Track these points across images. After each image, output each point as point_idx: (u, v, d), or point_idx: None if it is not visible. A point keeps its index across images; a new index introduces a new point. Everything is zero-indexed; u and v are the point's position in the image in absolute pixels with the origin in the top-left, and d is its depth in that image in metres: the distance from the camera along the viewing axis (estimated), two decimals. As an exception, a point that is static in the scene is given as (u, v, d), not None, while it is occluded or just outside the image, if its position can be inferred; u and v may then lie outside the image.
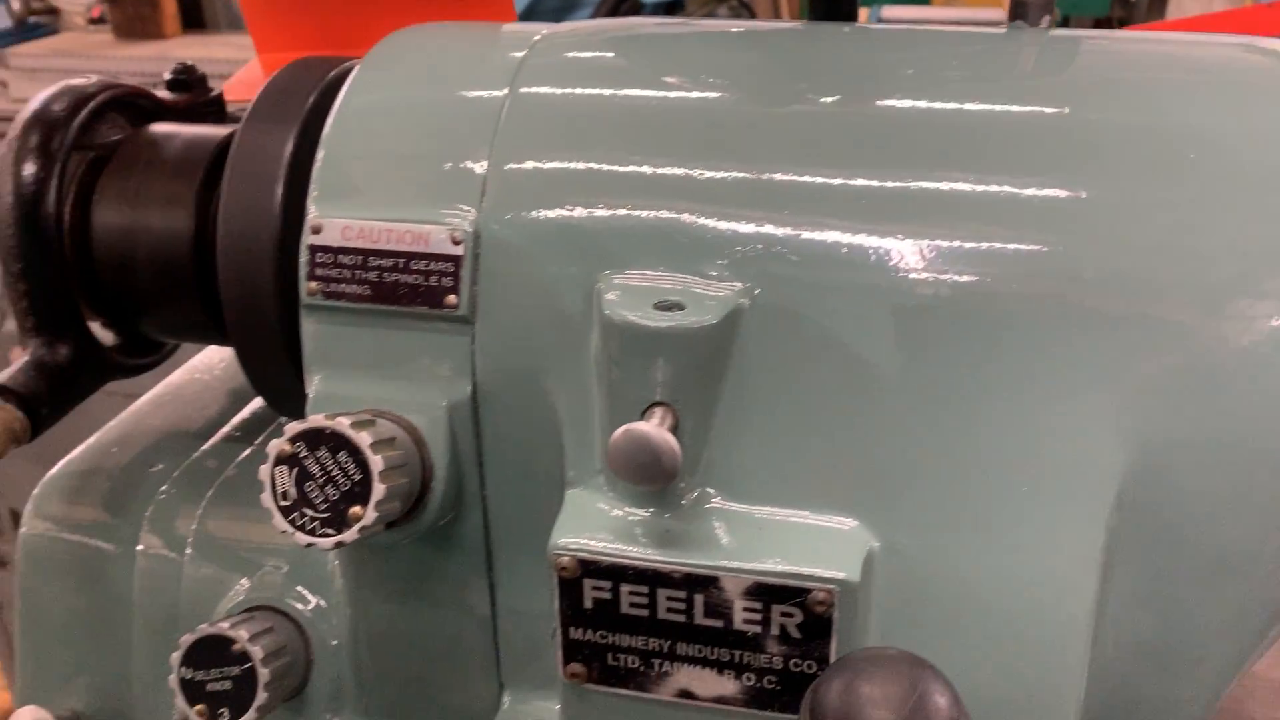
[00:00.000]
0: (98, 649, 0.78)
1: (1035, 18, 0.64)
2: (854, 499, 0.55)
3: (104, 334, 0.79)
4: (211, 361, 0.97)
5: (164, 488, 0.78)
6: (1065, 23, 1.72)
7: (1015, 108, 0.58)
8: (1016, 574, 0.54)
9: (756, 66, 0.64)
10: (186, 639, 0.67)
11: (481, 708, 0.68)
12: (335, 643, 0.71)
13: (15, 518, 1.90)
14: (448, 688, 0.69)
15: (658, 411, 0.54)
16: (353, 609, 0.68)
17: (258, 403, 0.89)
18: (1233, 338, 0.52)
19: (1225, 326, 0.52)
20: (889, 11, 5.03)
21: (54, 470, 0.81)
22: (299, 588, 0.73)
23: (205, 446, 0.83)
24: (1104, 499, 0.53)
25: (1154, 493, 0.53)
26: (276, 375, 0.68)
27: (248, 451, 0.81)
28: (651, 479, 0.51)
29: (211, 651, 0.66)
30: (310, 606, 0.72)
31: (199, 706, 0.66)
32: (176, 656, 0.66)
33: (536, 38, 0.66)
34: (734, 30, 0.71)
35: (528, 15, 3.70)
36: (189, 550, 0.75)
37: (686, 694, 0.56)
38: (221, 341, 0.75)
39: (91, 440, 0.84)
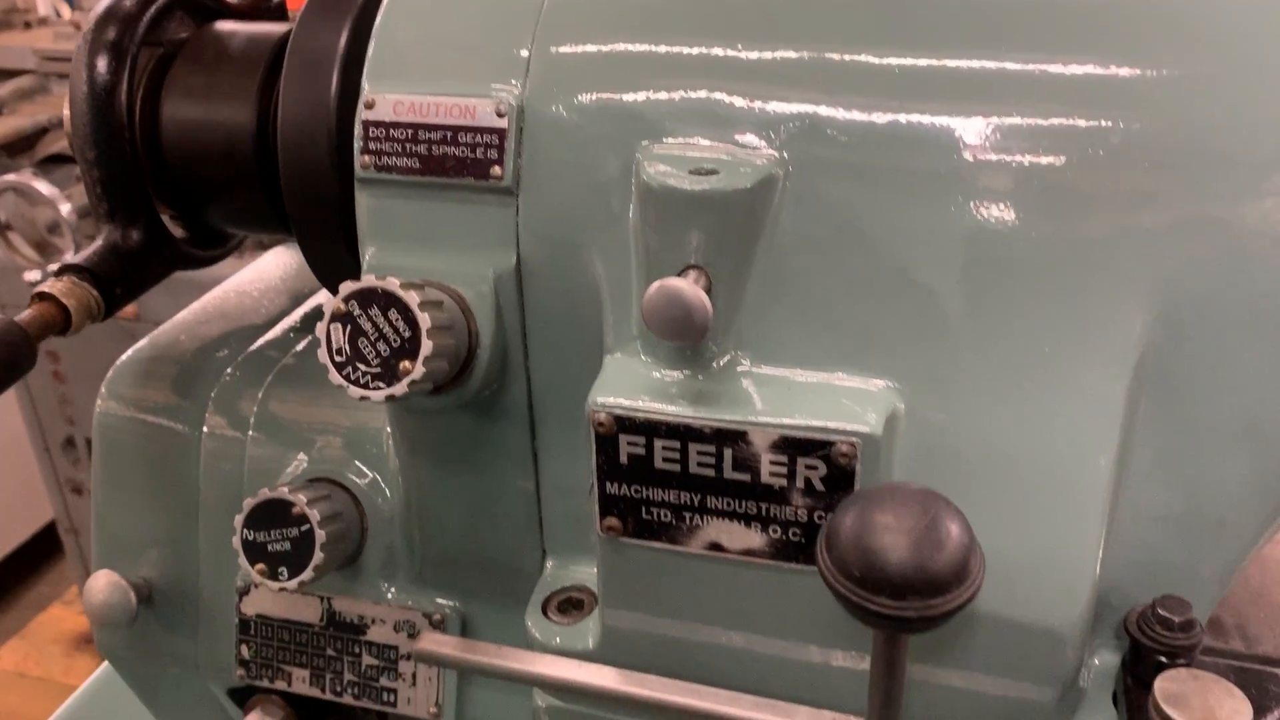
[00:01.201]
0: (167, 521, 0.83)
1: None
2: (882, 363, 0.57)
3: (173, 227, 0.83)
4: (271, 267, 1.01)
5: (229, 371, 0.83)
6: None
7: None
8: (1037, 435, 0.55)
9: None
10: (249, 502, 0.71)
11: (526, 574, 0.71)
12: (388, 513, 0.75)
13: (90, 446, 1.98)
14: (494, 555, 0.72)
15: (692, 273, 0.56)
16: (404, 477, 0.72)
17: (316, 299, 0.93)
18: (1261, 207, 0.53)
19: (1256, 197, 0.53)
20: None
21: (125, 356, 0.86)
22: (356, 462, 0.77)
23: (267, 337, 0.87)
24: (1126, 363, 0.54)
25: (1177, 358, 0.55)
26: (334, 257, 0.71)
27: (306, 341, 0.85)
28: (683, 334, 0.54)
29: (272, 514, 0.71)
30: (366, 480, 0.76)
31: (260, 565, 0.71)
32: (239, 519, 0.71)
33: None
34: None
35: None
36: (251, 429, 0.80)
37: (716, 546, 0.59)
38: (283, 230, 0.78)
39: (159, 331, 0.89)
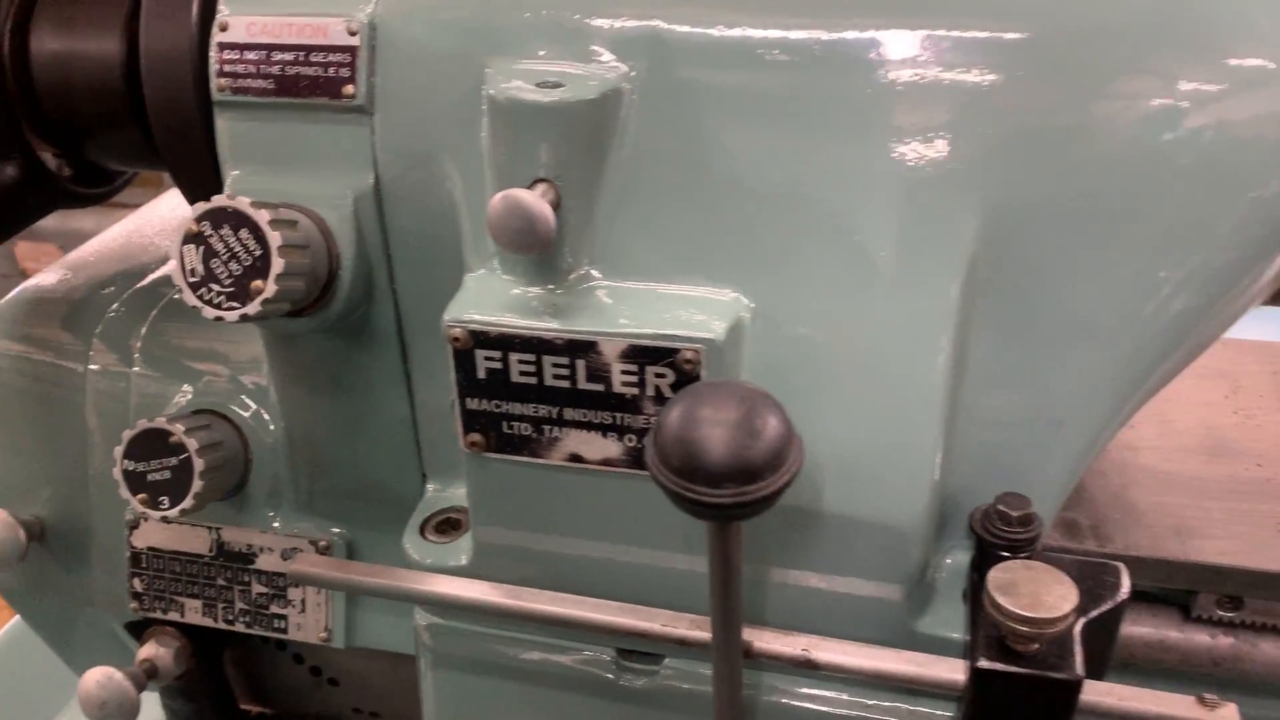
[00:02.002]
0: (57, 459, 0.83)
1: None
2: (728, 272, 0.58)
3: (59, 165, 0.82)
4: (168, 206, 1.01)
5: (114, 307, 0.83)
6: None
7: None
8: (875, 337, 0.57)
9: None
10: (127, 434, 0.71)
11: (408, 498, 0.72)
12: (272, 443, 0.76)
13: None
14: (375, 480, 0.73)
15: (540, 186, 0.57)
16: (282, 405, 0.73)
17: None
18: (1095, 114, 0.54)
19: (1090, 104, 0.54)
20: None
21: (10, 295, 0.85)
22: (240, 395, 0.77)
23: (156, 274, 0.87)
24: (957, 264, 0.55)
25: (1010, 261, 0.56)
26: (207, 186, 0.71)
27: (194, 277, 0.85)
28: (527, 245, 0.54)
29: (151, 444, 0.71)
30: (250, 412, 0.77)
31: (141, 495, 0.71)
32: (119, 450, 0.71)
33: None
34: None
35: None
36: (136, 364, 0.80)
37: (576, 458, 0.60)
38: (160, 164, 0.78)
39: (45, 270, 0.88)
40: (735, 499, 0.46)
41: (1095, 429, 0.61)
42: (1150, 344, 0.59)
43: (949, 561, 0.63)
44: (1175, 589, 0.70)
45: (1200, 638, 0.71)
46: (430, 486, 0.72)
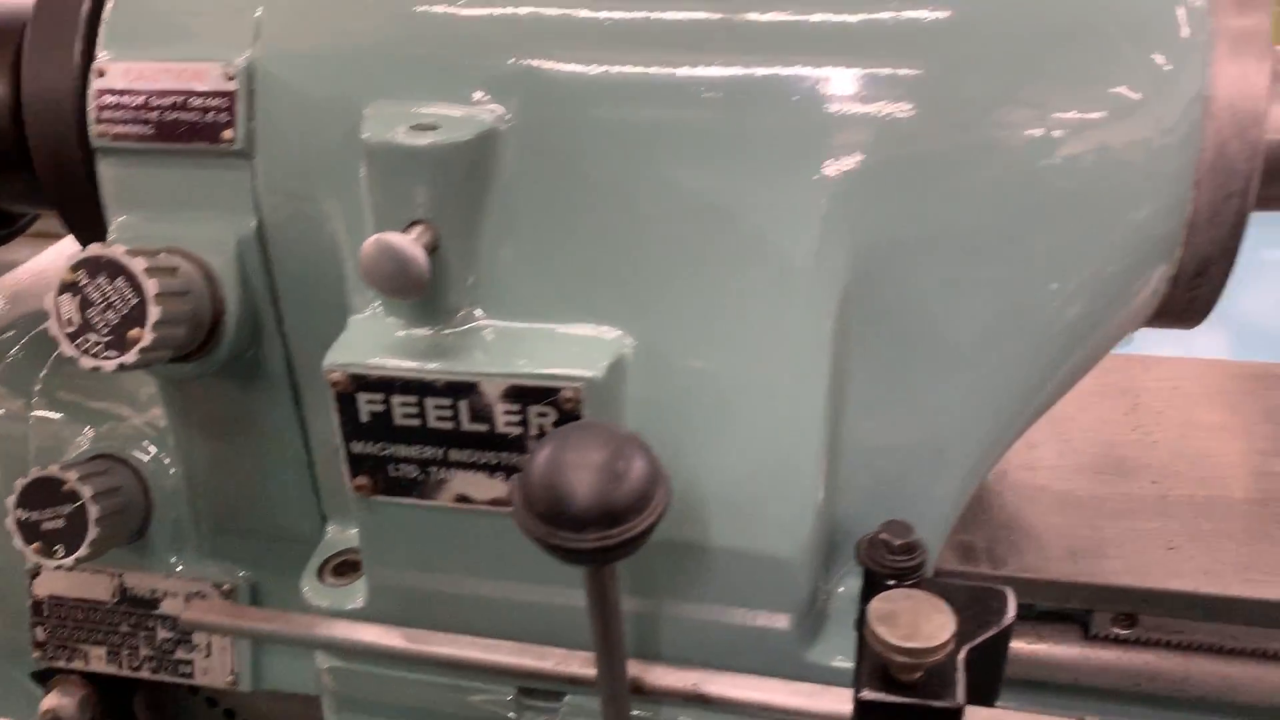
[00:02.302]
0: (-43, 507, 0.81)
1: None
2: (610, 309, 0.58)
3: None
4: (73, 247, 0.99)
5: (14, 350, 0.82)
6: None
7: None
8: (754, 371, 0.57)
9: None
10: (20, 482, 0.70)
11: (309, 539, 0.72)
12: (172, 487, 0.75)
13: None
14: (275, 522, 0.72)
15: (416, 228, 0.57)
16: (180, 449, 0.72)
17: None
18: (957, 136, 0.55)
19: (949, 127, 0.55)
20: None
21: (-93, 341, 0.84)
22: (142, 439, 0.76)
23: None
24: (830, 295, 0.56)
25: (879, 291, 0.57)
26: (93, 229, 0.70)
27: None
28: (401, 289, 0.54)
29: (44, 492, 0.70)
30: (150, 456, 0.76)
31: (35, 545, 0.70)
32: (11, 500, 0.70)
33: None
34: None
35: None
36: (36, 407, 0.79)
37: (464, 498, 0.60)
38: (48, 206, 0.77)
39: (-54, 315, 0.87)
40: (600, 543, 0.46)
41: (978, 454, 0.61)
42: (1028, 370, 0.59)
43: (841, 590, 0.64)
44: (1073, 608, 0.71)
45: (1099, 655, 0.72)
46: (330, 528, 0.72)
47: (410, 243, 0.54)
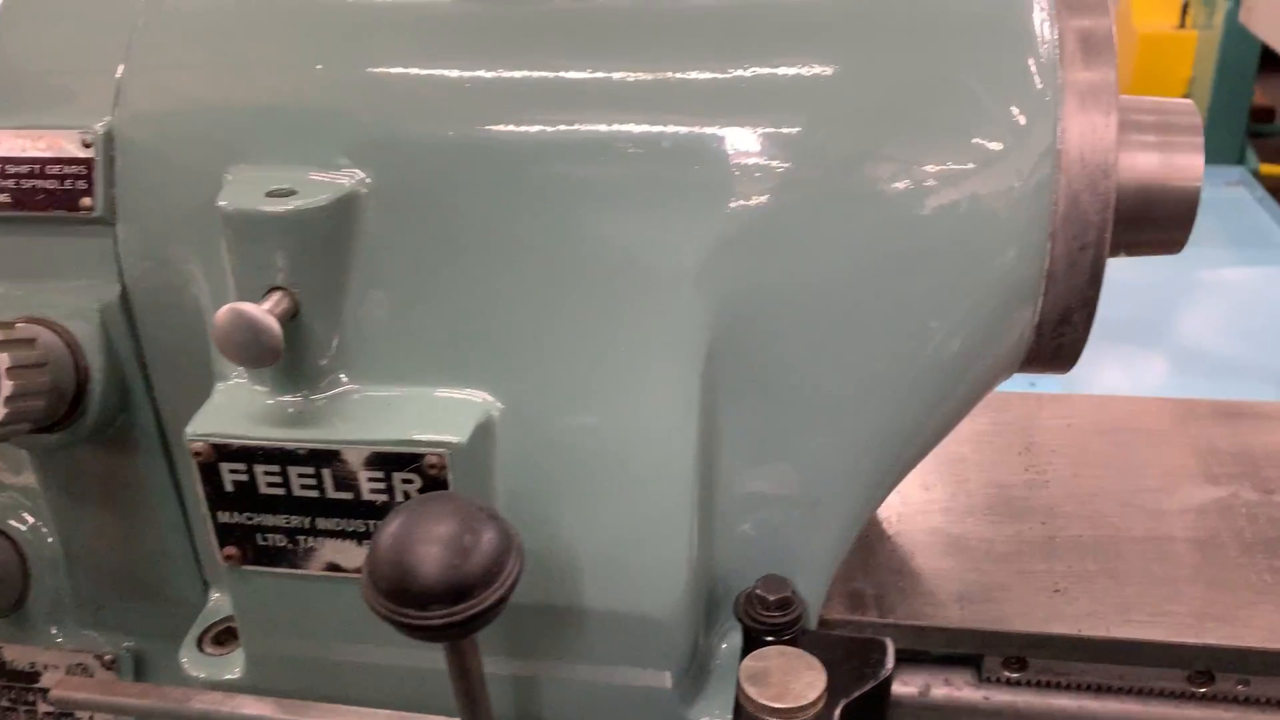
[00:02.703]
0: None
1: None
2: (478, 373, 0.58)
3: None
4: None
5: (-112, 421, 0.79)
6: None
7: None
8: (623, 430, 0.57)
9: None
10: (-112, 558, 0.68)
11: (192, 607, 0.70)
12: (51, 557, 0.73)
13: None
14: (156, 591, 0.71)
15: (274, 295, 0.56)
16: (56, 518, 0.70)
17: None
18: (816, 187, 0.55)
19: (810, 178, 0.55)
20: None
21: None
22: (18, 509, 0.74)
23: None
24: (696, 352, 0.56)
25: (746, 344, 0.57)
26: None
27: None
28: (255, 358, 0.53)
29: (-89, 568, 0.68)
30: (28, 525, 0.74)
31: (-97, 622, 0.68)
32: (-124, 578, 0.68)
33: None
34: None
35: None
36: (-91, 478, 0.77)
37: (334, 567, 0.59)
38: None
39: None
40: (447, 619, 0.45)
41: (857, 502, 0.62)
42: (901, 417, 0.60)
43: (724, 646, 0.64)
44: (964, 653, 0.71)
45: (994, 697, 0.72)
46: (213, 594, 0.70)
47: (263, 312, 0.53)
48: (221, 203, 0.56)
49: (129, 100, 0.60)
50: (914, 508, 0.78)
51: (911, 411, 0.60)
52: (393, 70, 0.58)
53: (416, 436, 0.55)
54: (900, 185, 0.56)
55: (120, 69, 0.61)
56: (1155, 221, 0.61)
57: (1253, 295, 2.79)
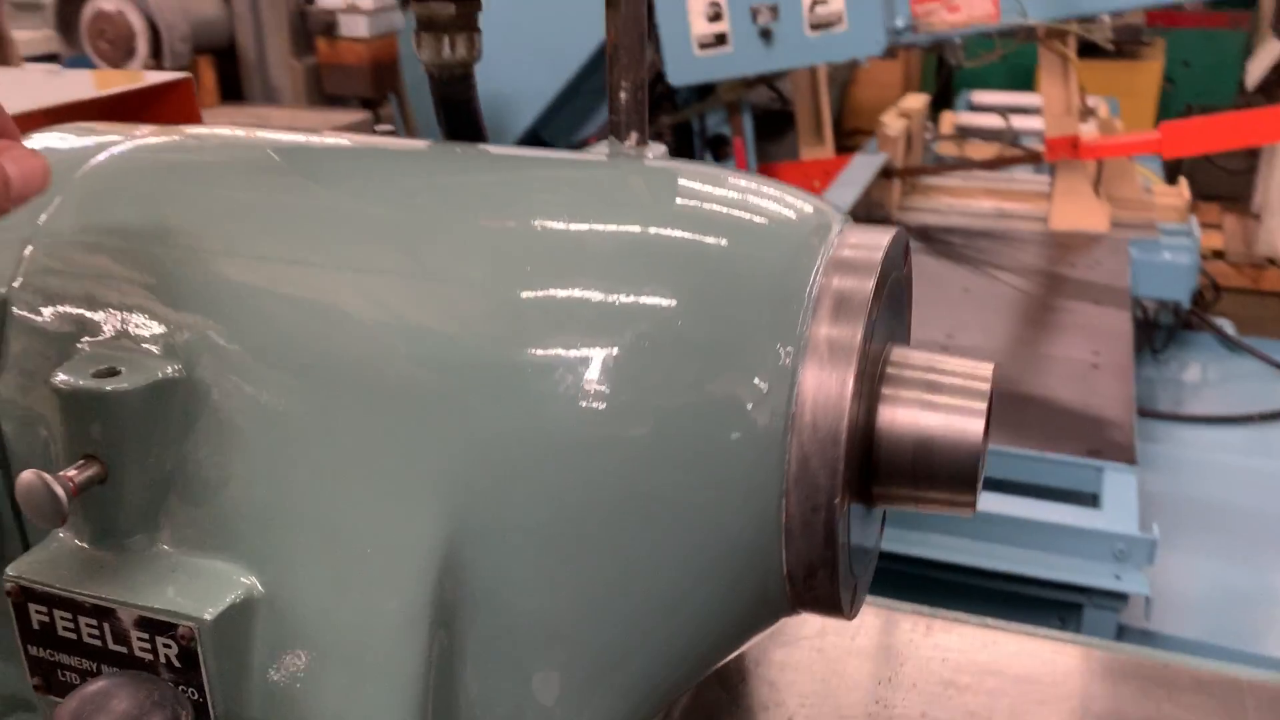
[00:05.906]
0: None
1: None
2: (249, 555, 0.63)
3: None
4: None
5: None
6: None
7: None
8: (359, 622, 0.60)
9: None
10: None
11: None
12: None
13: None
14: (8, 695, 0.78)
15: (82, 462, 0.63)
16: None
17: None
18: (526, 426, 0.58)
19: (522, 416, 0.58)
20: (978, 97, 5.00)
21: None
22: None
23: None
24: (428, 563, 0.59)
25: (476, 563, 0.59)
26: None
27: None
28: (45, 517, 0.60)
29: None
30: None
31: None
32: None
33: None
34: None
35: (569, 96, 3.87)
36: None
37: (116, 711, 0.65)
38: None
39: None
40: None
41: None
42: (638, 657, 0.60)
43: None
44: None
45: None
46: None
47: (50, 482, 0.60)
48: (52, 379, 0.64)
49: (28, 270, 0.70)
50: None
51: (651, 652, 0.60)
52: (210, 261, 0.67)
53: (173, 607, 0.61)
54: (640, 431, 0.58)
55: (27, 245, 0.71)
56: (935, 480, 0.60)
57: None
